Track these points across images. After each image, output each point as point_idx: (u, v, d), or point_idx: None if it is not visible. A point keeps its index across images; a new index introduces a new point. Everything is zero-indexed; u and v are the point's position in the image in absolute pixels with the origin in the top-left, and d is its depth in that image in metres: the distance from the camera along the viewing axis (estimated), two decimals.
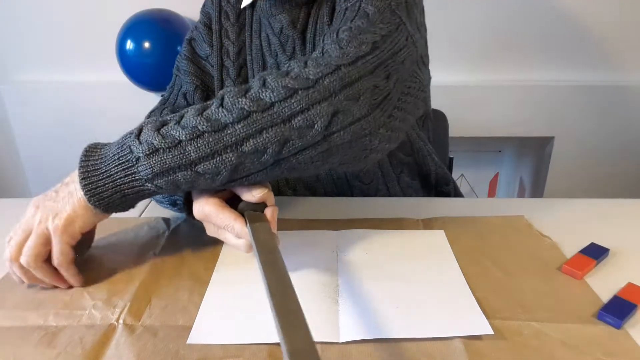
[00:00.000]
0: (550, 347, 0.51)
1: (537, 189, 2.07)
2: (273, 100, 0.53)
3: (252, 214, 0.58)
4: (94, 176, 0.55)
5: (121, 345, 0.52)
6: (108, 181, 0.55)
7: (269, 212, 0.58)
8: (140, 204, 0.82)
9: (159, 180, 0.54)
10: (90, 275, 0.64)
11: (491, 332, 0.53)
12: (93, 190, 0.55)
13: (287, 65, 0.58)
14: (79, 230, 0.58)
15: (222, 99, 0.55)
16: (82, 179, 0.55)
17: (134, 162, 0.53)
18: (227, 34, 0.87)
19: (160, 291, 0.60)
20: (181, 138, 0.53)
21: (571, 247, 0.68)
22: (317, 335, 0.53)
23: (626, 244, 0.70)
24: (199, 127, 0.53)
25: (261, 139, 0.53)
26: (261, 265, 0.50)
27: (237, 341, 0.52)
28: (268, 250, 0.52)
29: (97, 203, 0.56)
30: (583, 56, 1.80)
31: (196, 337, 0.53)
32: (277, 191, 0.90)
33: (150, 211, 0.81)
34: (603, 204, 0.70)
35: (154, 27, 1.67)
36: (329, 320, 0.55)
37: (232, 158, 0.53)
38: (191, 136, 0.53)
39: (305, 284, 0.61)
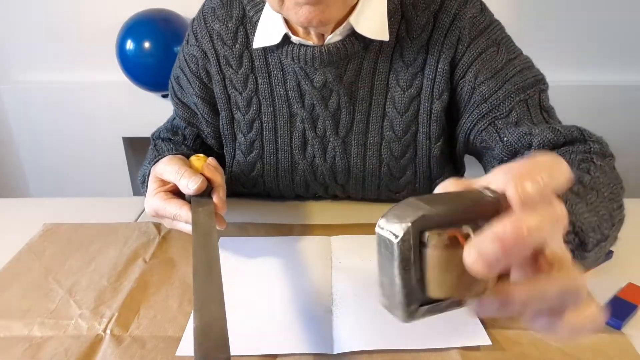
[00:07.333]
0: (550, 356, 0.50)
1: None
2: None
3: (197, 199, 0.61)
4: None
5: (108, 357, 0.50)
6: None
7: (214, 195, 0.62)
8: (136, 210, 0.82)
9: None
10: (77, 282, 0.62)
11: (489, 342, 0.51)
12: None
13: None
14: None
15: None
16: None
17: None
18: (233, 83, 0.78)
19: (150, 300, 0.59)
20: None
21: None
22: (310, 347, 0.51)
23: (626, 244, 0.68)
24: None
25: None
26: (193, 246, 0.52)
27: None
28: (203, 232, 0.55)
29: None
30: (582, 56, 1.78)
31: (186, 348, 0.51)
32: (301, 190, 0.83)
33: (146, 216, 0.80)
34: None
35: (154, 27, 1.66)
36: (323, 330, 0.53)
37: None
38: None
39: (298, 293, 0.59)
